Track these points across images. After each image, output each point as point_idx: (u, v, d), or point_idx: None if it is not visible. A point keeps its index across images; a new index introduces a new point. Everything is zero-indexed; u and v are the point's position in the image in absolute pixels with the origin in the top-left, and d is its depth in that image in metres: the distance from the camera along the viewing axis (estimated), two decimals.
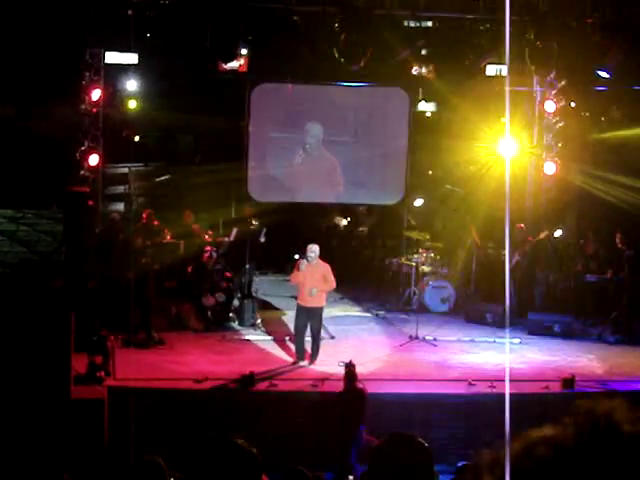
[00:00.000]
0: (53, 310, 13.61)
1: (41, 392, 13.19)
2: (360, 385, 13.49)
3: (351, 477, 13.27)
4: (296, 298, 16.16)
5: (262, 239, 18.90)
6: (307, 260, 15.63)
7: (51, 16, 18.15)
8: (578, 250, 19.85)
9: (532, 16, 19.09)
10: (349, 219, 23.71)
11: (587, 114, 21.57)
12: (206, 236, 19.08)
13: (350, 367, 13.79)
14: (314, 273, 15.64)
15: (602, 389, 14.93)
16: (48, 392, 13.22)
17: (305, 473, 8.15)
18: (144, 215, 18.94)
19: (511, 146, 22.68)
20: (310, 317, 15.76)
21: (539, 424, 2.71)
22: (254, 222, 18.88)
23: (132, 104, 20.12)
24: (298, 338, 15.92)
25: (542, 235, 19.24)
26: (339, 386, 14.25)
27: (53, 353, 13.38)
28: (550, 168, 19.96)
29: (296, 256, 15.95)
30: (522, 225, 19.39)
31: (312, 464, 13.30)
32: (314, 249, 15.70)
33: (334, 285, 15.86)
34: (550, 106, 19.93)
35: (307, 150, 20.62)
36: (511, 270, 19.07)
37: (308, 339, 15.89)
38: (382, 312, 19.29)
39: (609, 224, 19.75)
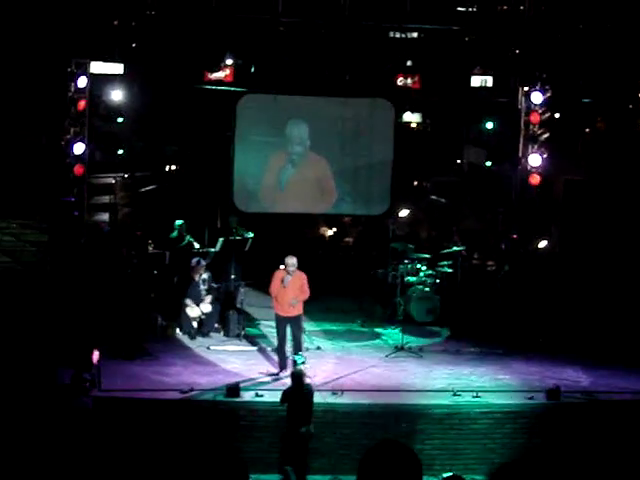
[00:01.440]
0: (38, 321, 13.58)
1: (27, 403, 13.14)
2: (308, 381, 13.58)
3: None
4: None
5: (246, 248, 18.85)
6: (289, 274, 15.67)
7: (38, 26, 18.13)
8: (561, 260, 19.87)
9: (517, 27, 19.15)
10: (335, 229, 23.70)
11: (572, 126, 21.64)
12: (197, 246, 19.07)
13: (299, 365, 13.95)
14: (294, 284, 15.70)
15: (587, 400, 14.93)
16: (34, 402, 13.17)
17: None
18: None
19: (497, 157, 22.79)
20: (291, 325, 15.78)
21: (524, 434, 2.74)
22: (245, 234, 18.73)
23: (118, 115, 20.08)
24: (281, 348, 15.92)
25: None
26: (323, 396, 14.26)
27: (39, 364, 13.34)
28: (535, 179, 19.97)
29: (281, 267, 15.95)
30: (515, 236, 19.42)
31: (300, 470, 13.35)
32: (293, 262, 15.75)
33: (308, 294, 15.88)
34: (535, 117, 19.94)
35: (294, 161, 20.59)
36: (499, 280, 19.08)
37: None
38: (368, 323, 19.27)
39: (593, 235, 19.79)
